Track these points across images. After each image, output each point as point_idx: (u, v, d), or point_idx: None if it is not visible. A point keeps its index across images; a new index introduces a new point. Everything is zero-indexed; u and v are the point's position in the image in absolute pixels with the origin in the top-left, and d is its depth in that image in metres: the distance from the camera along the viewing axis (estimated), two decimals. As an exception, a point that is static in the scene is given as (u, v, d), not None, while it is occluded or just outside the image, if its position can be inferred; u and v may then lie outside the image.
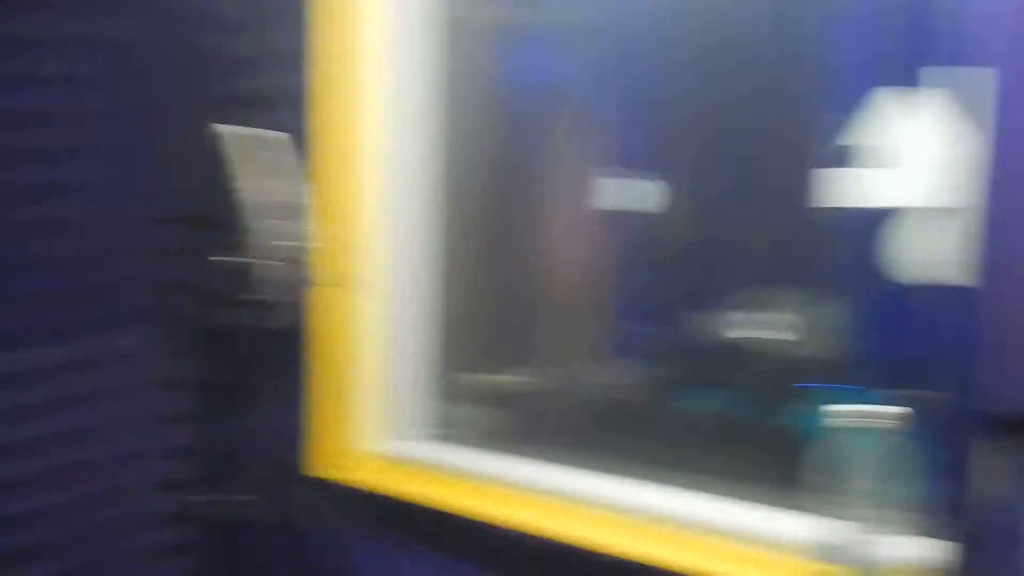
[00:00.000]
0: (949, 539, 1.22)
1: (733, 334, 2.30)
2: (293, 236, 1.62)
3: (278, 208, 1.62)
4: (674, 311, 2.91)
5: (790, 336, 2.22)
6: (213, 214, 2.14)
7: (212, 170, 1.49)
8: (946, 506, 1.22)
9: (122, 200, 2.25)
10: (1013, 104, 1.14)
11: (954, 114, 1.21)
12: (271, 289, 1.62)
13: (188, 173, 1.47)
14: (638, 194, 2.84)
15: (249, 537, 2.15)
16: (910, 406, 1.94)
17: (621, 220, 2.65)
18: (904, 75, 1.38)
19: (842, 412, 1.27)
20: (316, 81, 2.04)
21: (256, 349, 2.11)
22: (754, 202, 2.82)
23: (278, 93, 2.09)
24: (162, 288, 1.72)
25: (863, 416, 1.27)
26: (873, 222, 2.21)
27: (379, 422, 2.17)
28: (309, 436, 1.74)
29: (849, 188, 1.46)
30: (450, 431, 2.26)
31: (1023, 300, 1.13)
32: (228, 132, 1.49)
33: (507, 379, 2.47)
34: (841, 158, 1.48)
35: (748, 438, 2.06)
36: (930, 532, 1.30)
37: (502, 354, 2.61)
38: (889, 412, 1.90)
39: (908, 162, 1.38)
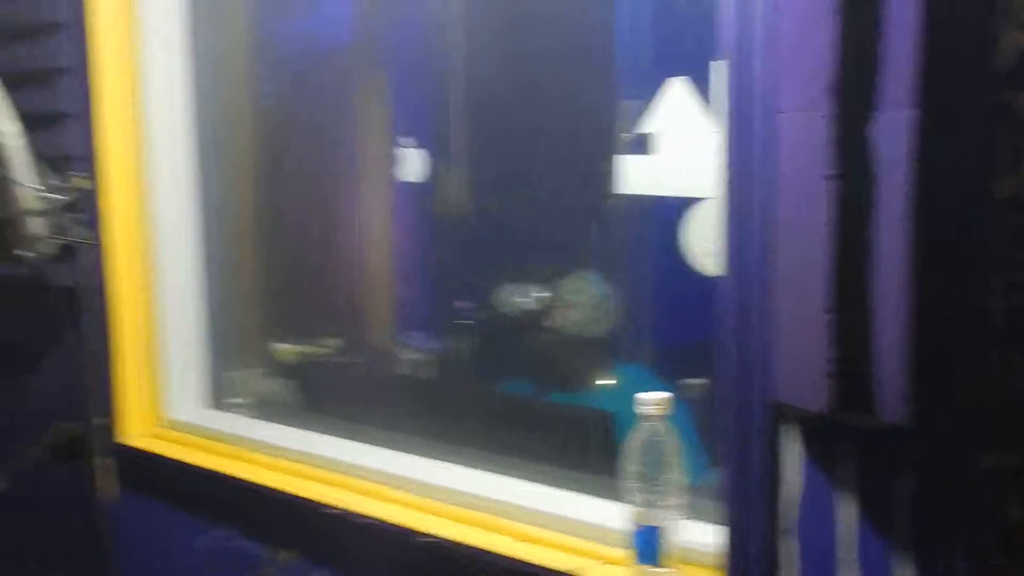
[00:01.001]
0: (727, 525, 1.26)
1: (526, 312, 2.31)
2: (60, 190, 1.49)
3: (43, 161, 1.49)
4: (472, 288, 2.93)
5: (582, 317, 2.26)
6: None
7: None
8: (724, 493, 1.26)
9: None
10: (741, 98, 1.18)
11: (716, 106, 1.24)
12: (39, 245, 1.49)
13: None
14: (435, 170, 2.84)
15: (33, 506, 2.03)
16: (692, 392, 2.03)
17: (417, 194, 2.63)
18: (694, 66, 1.41)
19: (636, 398, 1.29)
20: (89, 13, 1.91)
21: (31, 307, 1.97)
22: (553, 186, 2.87)
23: (48, 25, 1.95)
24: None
25: (658, 403, 1.28)
26: (666, 210, 2.27)
27: (181, 391, 2.10)
28: (105, 402, 1.66)
29: (642, 176, 1.48)
30: (244, 401, 2.19)
31: (757, 291, 1.18)
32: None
33: (306, 349, 2.42)
34: (636, 146, 1.49)
35: (544, 419, 2.08)
36: (712, 518, 1.34)
37: (302, 324, 2.55)
38: (673, 398, 1.97)
39: (695, 152, 1.41)
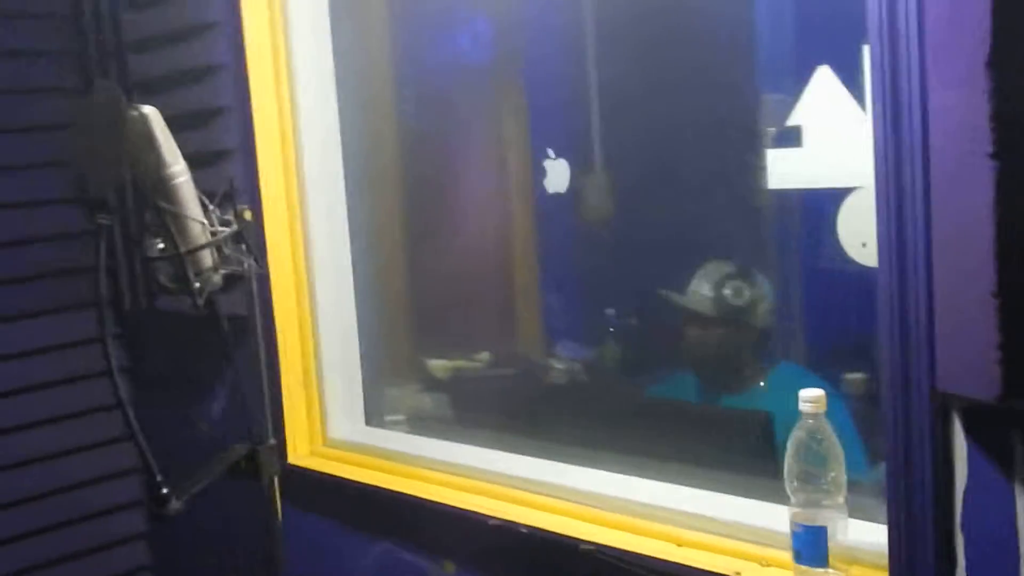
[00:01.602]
0: (892, 523, 1.22)
1: (682, 312, 2.29)
2: (227, 222, 1.58)
3: (209, 196, 1.58)
4: (620, 293, 2.93)
5: (738, 315, 2.22)
6: (142, 198, 2.12)
7: (138, 152, 1.44)
8: (889, 490, 1.22)
9: (45, 184, 2.23)
10: (893, 78, 1.15)
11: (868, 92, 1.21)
12: (211, 276, 1.58)
13: (112, 156, 1.43)
14: (578, 179, 2.86)
15: (207, 526, 2.14)
16: (854, 388, 1.97)
17: (557, 203, 2.65)
18: (842, 53, 1.38)
19: (799, 395, 1.27)
20: (245, 52, 2.02)
21: (202, 337, 2.09)
22: (700, 185, 2.84)
23: (203, 69, 2.06)
24: (98, 275, 1.68)
25: (815, 400, 1.26)
26: (820, 203, 2.22)
27: (340, 410, 2.18)
28: (272, 423, 1.75)
29: (792, 169, 1.45)
30: (401, 417, 2.25)
31: (917, 279, 1.14)
32: (152, 112, 1.45)
33: (458, 364, 2.47)
34: (785, 139, 1.47)
35: (703, 422, 2.06)
36: (877, 516, 1.31)
37: (453, 339, 2.60)
38: (832, 394, 1.92)
39: (846, 141, 1.37)
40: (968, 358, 1.08)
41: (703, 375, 2.28)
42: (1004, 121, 1.02)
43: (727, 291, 2.22)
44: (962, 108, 1.05)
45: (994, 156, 1.03)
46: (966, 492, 1.16)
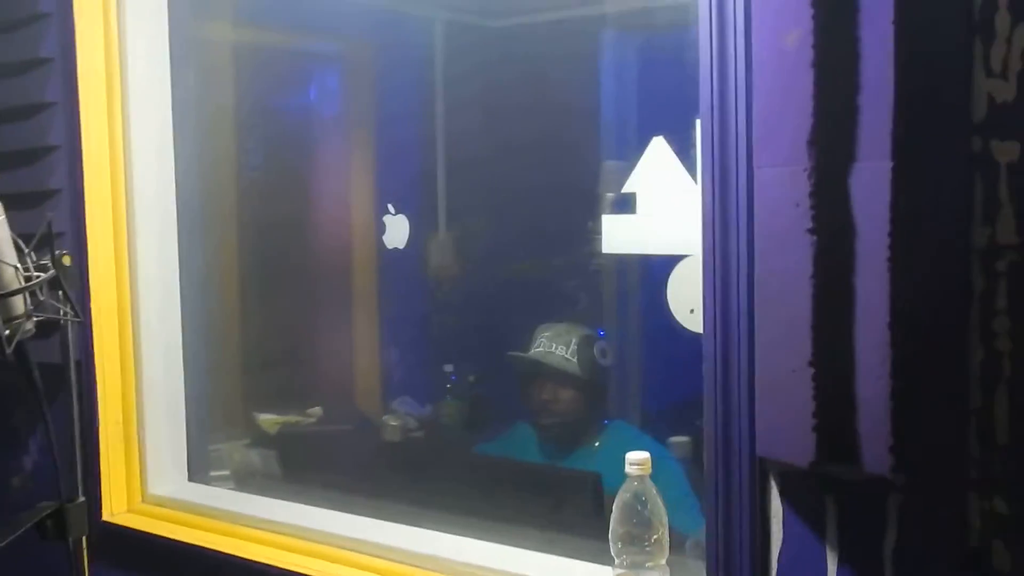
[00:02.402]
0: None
1: (531, 371, 2.31)
2: (43, 267, 1.49)
3: (25, 239, 1.49)
4: (460, 351, 2.93)
5: (572, 373, 2.25)
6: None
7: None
8: (715, 551, 1.24)
9: None
10: (722, 154, 1.20)
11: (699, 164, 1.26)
12: (21, 323, 1.48)
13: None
14: (422, 236, 2.86)
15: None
16: (681, 450, 2.01)
17: (400, 259, 2.64)
18: (678, 125, 1.42)
19: (626, 458, 1.28)
20: (78, 91, 1.93)
21: (14, 386, 1.96)
22: (540, 244, 2.88)
23: (32, 106, 1.97)
24: None
25: (640, 463, 1.28)
26: (652, 268, 2.28)
27: (162, 465, 2.08)
28: (87, 479, 1.65)
29: (626, 234, 1.48)
30: (227, 472, 2.17)
31: (740, 347, 1.18)
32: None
33: (289, 419, 2.40)
34: (620, 205, 1.50)
35: (534, 481, 2.06)
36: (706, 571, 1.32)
37: (285, 394, 2.54)
38: (659, 457, 1.96)
39: (677, 210, 1.41)
40: (785, 425, 1.11)
41: (545, 433, 2.29)
42: (822, 198, 1.07)
43: (593, 352, 2.26)
44: (785, 184, 1.10)
45: (812, 231, 1.07)
46: (781, 552, 1.19)
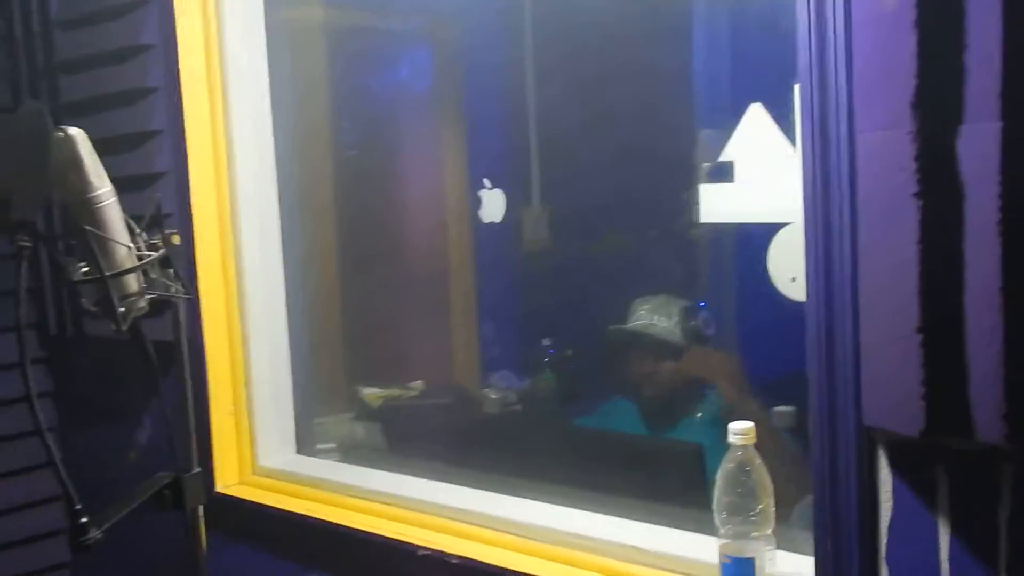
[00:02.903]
0: (819, 555, 1.23)
1: (617, 346, 2.31)
2: (154, 247, 1.55)
3: (137, 220, 1.55)
4: (557, 324, 2.94)
5: (674, 344, 2.25)
6: (65, 221, 2.08)
7: (63, 174, 1.41)
8: (817, 522, 1.23)
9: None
10: (821, 119, 1.18)
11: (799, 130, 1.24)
12: (136, 301, 1.54)
13: (36, 178, 1.39)
14: (516, 210, 2.87)
15: (131, 556, 2.09)
16: (784, 421, 1.99)
17: (495, 233, 2.66)
18: (775, 91, 1.40)
19: (731, 427, 1.28)
20: (179, 76, 1.99)
21: (129, 362, 2.05)
22: (634, 216, 2.87)
23: (136, 92, 2.04)
24: (17, 298, 1.65)
25: (744, 432, 1.27)
26: (751, 237, 2.25)
27: (271, 438, 2.14)
28: (200, 451, 1.72)
29: (724, 204, 1.47)
30: (333, 445, 2.23)
31: (844, 315, 1.16)
32: (78, 134, 1.42)
33: (391, 393, 2.45)
34: (718, 174, 1.49)
35: (636, 453, 2.07)
36: (806, 549, 1.32)
37: (387, 368, 2.58)
38: (769, 426, 1.95)
39: (777, 177, 1.40)
40: (893, 394, 1.09)
41: (646, 405, 2.29)
42: (928, 161, 1.04)
43: (696, 322, 2.26)
44: (888, 148, 1.08)
45: (919, 196, 1.05)
46: (891, 525, 1.18)
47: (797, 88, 1.23)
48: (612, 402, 2.41)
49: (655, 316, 2.27)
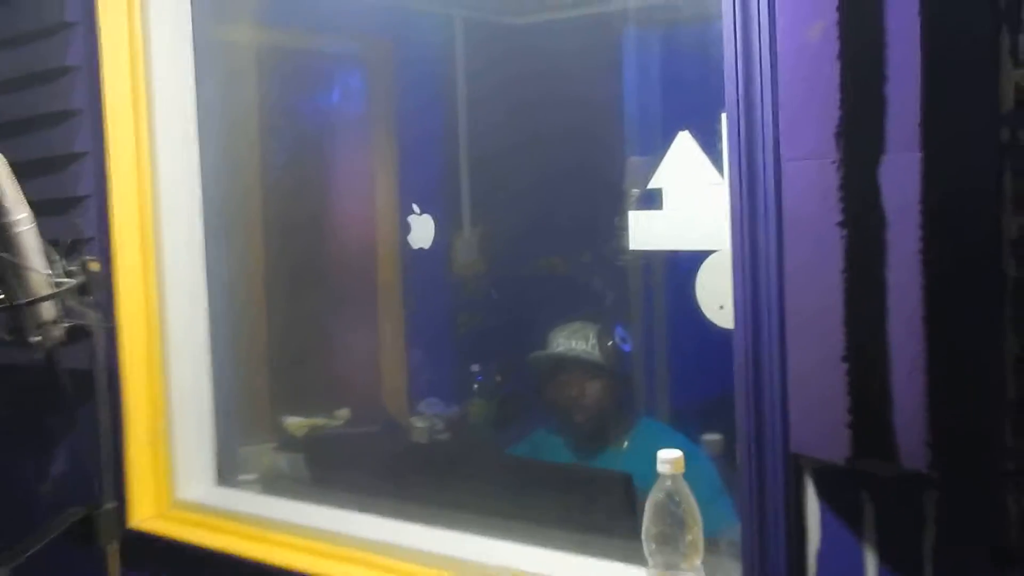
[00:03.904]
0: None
1: (540, 373, 2.32)
2: (72, 274, 1.51)
3: (54, 246, 1.51)
4: (487, 350, 2.94)
5: (597, 363, 2.27)
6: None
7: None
8: (750, 552, 1.24)
9: None
10: (748, 148, 1.20)
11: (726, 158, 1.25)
12: (52, 329, 1.50)
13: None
14: (446, 235, 2.87)
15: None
16: (714, 448, 2.01)
17: (425, 258, 2.64)
18: (703, 119, 1.42)
19: (657, 456, 1.28)
20: (103, 98, 1.95)
21: (44, 391, 1.99)
22: (565, 242, 2.89)
23: (58, 114, 1.99)
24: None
25: (672, 461, 1.28)
26: (680, 264, 2.27)
27: (190, 470, 2.10)
28: (115, 484, 1.66)
29: (653, 231, 1.48)
30: (255, 476, 2.18)
31: (771, 342, 1.18)
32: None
33: (316, 422, 2.42)
34: (646, 201, 1.50)
35: (565, 482, 2.06)
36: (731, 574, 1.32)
37: (312, 396, 2.55)
38: (696, 453, 1.96)
39: (704, 205, 1.41)
40: (819, 421, 1.11)
41: (575, 432, 2.29)
42: (852, 190, 1.06)
43: (614, 340, 2.28)
44: (813, 177, 1.09)
45: (843, 224, 1.07)
46: (819, 553, 1.19)
47: (724, 116, 1.25)
48: (535, 434, 2.42)
49: (572, 340, 2.29)
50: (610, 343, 2.29)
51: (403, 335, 2.90)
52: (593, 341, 2.28)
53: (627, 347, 2.32)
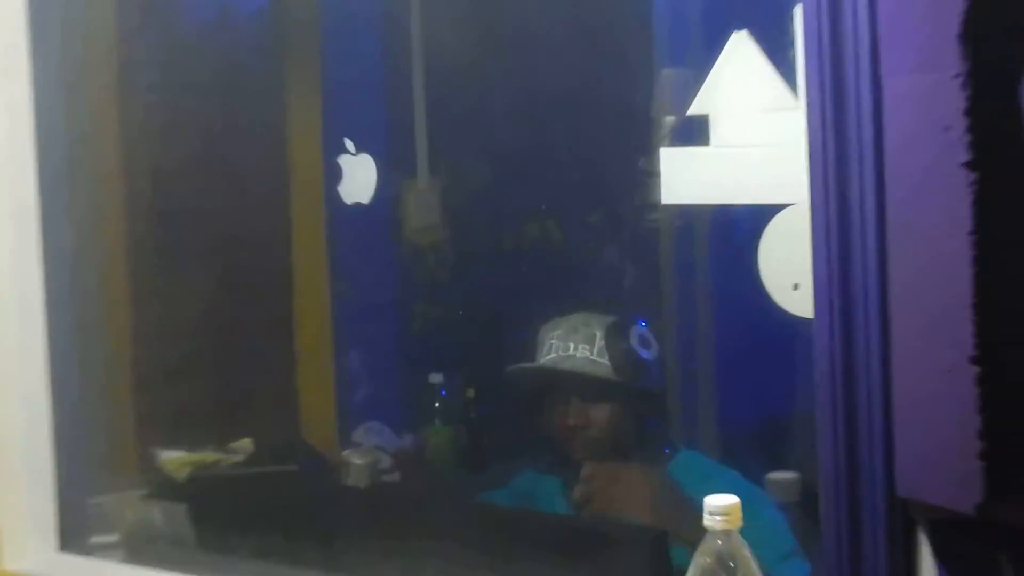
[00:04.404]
0: None
1: (526, 392, 2.32)
2: None
3: None
4: (454, 354, 2.94)
5: (605, 378, 2.25)
6: None
7: None
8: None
9: None
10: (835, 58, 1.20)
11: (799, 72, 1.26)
12: None
13: None
14: (390, 184, 2.85)
15: None
16: (781, 491, 2.02)
17: (366, 219, 2.63)
18: (767, 16, 1.42)
19: (704, 503, 1.28)
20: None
21: None
22: (565, 196, 2.88)
23: None
24: None
25: (726, 511, 1.28)
26: (732, 227, 2.28)
27: (23, 530, 2.12)
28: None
29: (695, 177, 1.48)
30: (115, 537, 2.20)
31: (867, 338, 1.18)
32: None
33: (206, 458, 2.42)
34: (687, 133, 1.50)
35: (579, 543, 2.07)
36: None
37: (200, 423, 2.55)
38: (758, 499, 1.97)
39: (769, 140, 1.41)
40: (938, 452, 1.11)
41: (571, 472, 2.29)
42: (984, 117, 1.06)
43: (629, 343, 2.26)
44: (927, 99, 1.10)
45: (972, 165, 1.07)
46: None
47: (799, 12, 1.25)
48: (529, 470, 2.42)
49: (571, 343, 2.27)
50: (624, 345, 2.28)
51: (330, 332, 2.89)
52: (601, 343, 2.27)
53: (648, 352, 2.31)
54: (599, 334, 2.27)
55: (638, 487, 2.15)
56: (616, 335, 2.26)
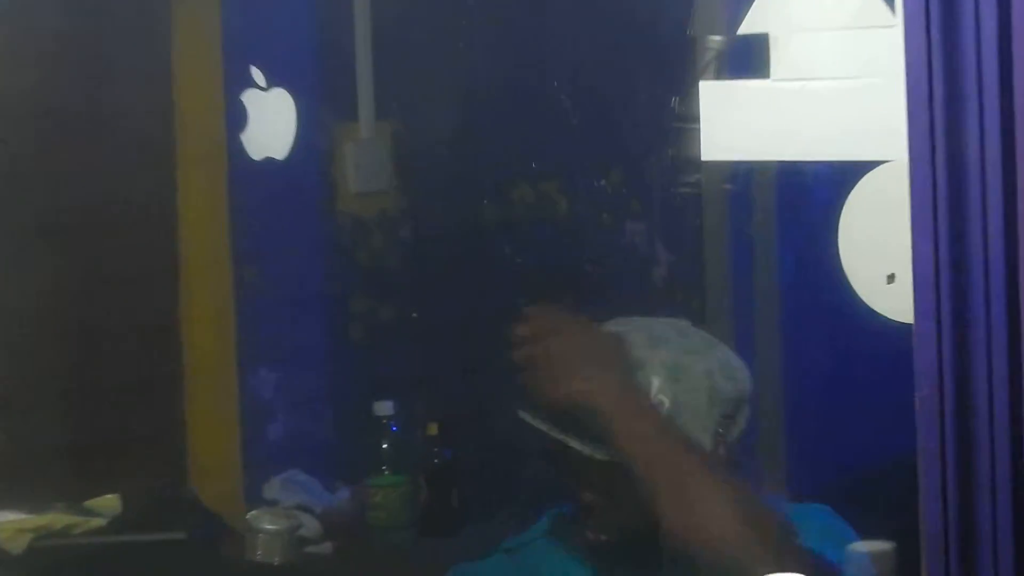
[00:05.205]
0: None
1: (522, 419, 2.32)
2: None
3: None
4: (406, 373, 2.95)
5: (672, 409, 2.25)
6: None
7: None
8: None
9: None
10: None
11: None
12: None
13: None
14: (321, 132, 2.86)
15: None
16: (886, 566, 2.03)
17: (281, 180, 2.65)
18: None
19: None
20: None
21: None
22: (565, 149, 2.90)
23: None
24: None
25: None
26: (805, 191, 2.30)
27: None
28: None
29: (749, 121, 1.49)
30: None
31: (998, 347, 1.19)
32: None
33: (52, 522, 2.44)
34: (734, 62, 1.51)
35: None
36: None
37: (42, 472, 2.56)
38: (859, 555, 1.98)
39: (848, 73, 1.42)
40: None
41: (587, 545, 2.29)
42: None
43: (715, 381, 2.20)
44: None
45: None
46: None
47: None
48: (540, 536, 2.42)
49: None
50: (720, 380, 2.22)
51: (232, 342, 2.91)
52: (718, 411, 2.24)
53: (730, 436, 2.27)
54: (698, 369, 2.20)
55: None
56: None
